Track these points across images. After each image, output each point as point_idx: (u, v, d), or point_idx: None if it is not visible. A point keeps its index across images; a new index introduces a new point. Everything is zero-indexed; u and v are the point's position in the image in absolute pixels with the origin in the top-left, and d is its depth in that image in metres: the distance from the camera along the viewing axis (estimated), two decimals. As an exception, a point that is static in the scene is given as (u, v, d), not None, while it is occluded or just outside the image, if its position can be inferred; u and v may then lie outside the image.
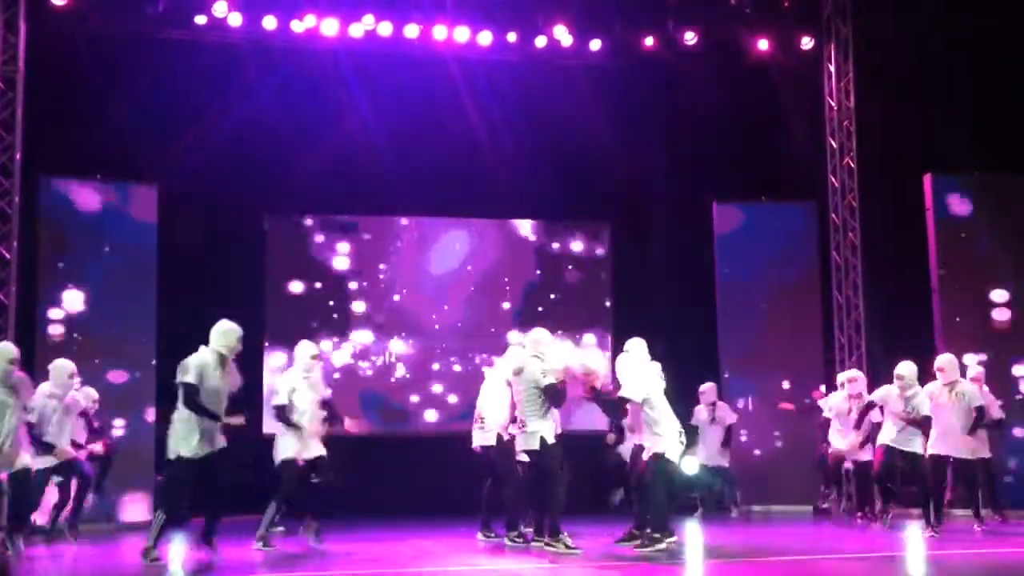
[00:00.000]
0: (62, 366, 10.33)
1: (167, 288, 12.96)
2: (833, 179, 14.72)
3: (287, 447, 9.46)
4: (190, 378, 8.41)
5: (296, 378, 9.70)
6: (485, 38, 14.00)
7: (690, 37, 14.22)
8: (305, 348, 9.93)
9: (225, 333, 8.72)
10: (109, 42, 13.08)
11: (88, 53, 12.93)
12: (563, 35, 14.06)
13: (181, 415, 8.43)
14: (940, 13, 13.37)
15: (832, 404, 12.19)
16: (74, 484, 10.51)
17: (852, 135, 14.65)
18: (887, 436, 10.50)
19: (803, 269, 14.45)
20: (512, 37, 14.07)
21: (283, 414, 9.51)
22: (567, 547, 8.80)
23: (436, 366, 14.79)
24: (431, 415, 14.66)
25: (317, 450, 9.62)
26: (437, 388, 14.73)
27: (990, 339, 13.24)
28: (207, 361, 8.53)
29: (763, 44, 14.51)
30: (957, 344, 12.92)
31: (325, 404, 9.82)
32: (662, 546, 8.73)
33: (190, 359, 8.52)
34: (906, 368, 10.42)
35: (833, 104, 14.77)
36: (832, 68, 14.77)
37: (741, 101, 14.57)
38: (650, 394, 9.04)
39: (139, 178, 13.03)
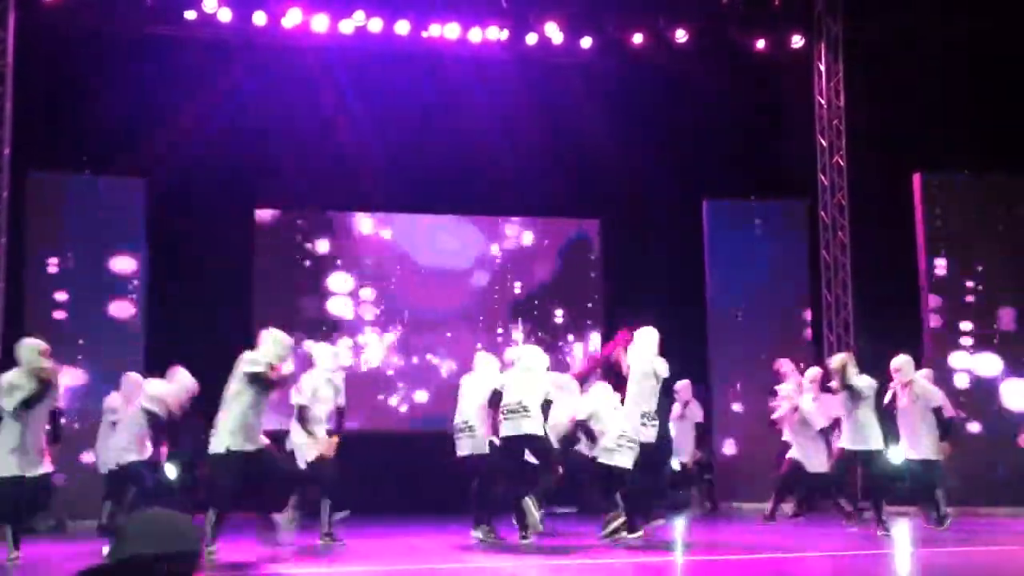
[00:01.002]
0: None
1: (156, 284, 12.92)
2: (823, 178, 14.76)
3: (311, 448, 9.38)
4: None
5: (320, 380, 9.50)
6: (476, 35, 13.99)
7: (681, 35, 14.23)
8: (327, 349, 9.89)
9: (277, 342, 8.66)
10: (98, 37, 13.04)
11: (77, 48, 12.91)
12: (554, 32, 14.05)
13: (233, 411, 8.40)
14: (932, 13, 13.40)
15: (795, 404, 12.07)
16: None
17: (842, 134, 14.69)
18: (845, 439, 10.28)
19: (793, 267, 14.48)
20: (503, 34, 14.06)
21: (304, 414, 9.31)
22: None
23: (426, 362, 14.77)
24: (423, 412, 14.64)
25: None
26: (429, 385, 14.71)
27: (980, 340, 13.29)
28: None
29: (755, 43, 14.52)
30: (945, 344, 13.05)
31: (339, 412, 9.57)
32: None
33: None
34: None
35: (823, 103, 14.81)
36: (823, 67, 14.81)
37: (732, 99, 14.58)
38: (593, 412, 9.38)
39: (128, 173, 12.97)
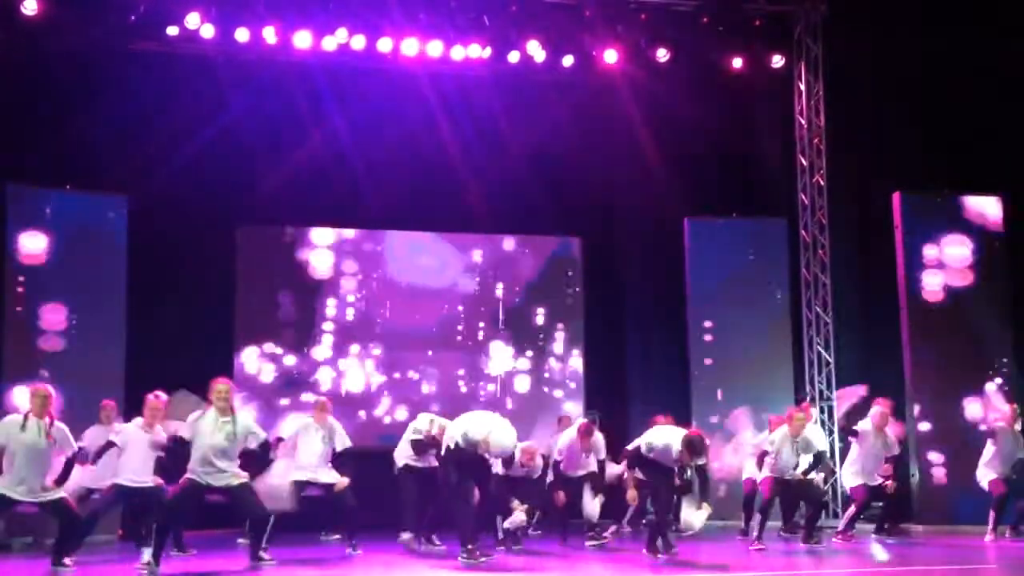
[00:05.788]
0: None
1: (137, 300, 12.84)
2: (803, 197, 14.82)
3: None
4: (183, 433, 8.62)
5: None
6: (458, 53, 14.01)
7: (662, 54, 14.27)
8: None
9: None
10: (80, 52, 13.00)
11: (59, 63, 12.89)
12: (536, 51, 14.07)
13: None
14: (912, 32, 13.51)
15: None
16: None
17: (822, 153, 14.76)
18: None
19: (773, 286, 14.51)
20: (485, 52, 14.08)
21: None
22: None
23: (407, 380, 14.75)
24: (401, 430, 14.60)
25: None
26: (409, 402, 14.67)
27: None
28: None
29: (735, 62, 14.57)
30: (923, 361, 13.13)
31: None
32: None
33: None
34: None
35: (803, 122, 14.88)
36: (802, 86, 14.89)
37: (713, 118, 14.64)
38: None
39: (109, 189, 12.92)
